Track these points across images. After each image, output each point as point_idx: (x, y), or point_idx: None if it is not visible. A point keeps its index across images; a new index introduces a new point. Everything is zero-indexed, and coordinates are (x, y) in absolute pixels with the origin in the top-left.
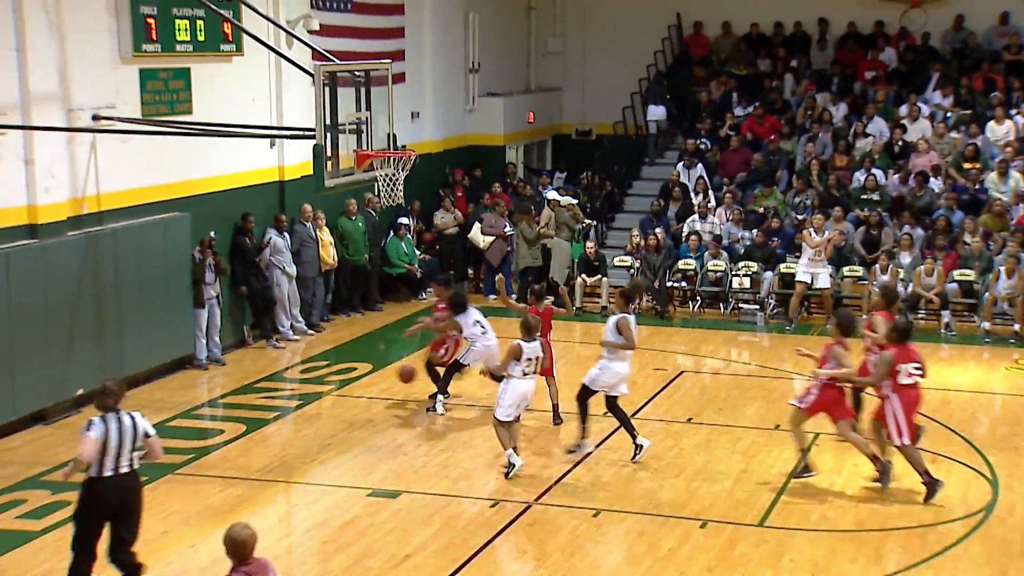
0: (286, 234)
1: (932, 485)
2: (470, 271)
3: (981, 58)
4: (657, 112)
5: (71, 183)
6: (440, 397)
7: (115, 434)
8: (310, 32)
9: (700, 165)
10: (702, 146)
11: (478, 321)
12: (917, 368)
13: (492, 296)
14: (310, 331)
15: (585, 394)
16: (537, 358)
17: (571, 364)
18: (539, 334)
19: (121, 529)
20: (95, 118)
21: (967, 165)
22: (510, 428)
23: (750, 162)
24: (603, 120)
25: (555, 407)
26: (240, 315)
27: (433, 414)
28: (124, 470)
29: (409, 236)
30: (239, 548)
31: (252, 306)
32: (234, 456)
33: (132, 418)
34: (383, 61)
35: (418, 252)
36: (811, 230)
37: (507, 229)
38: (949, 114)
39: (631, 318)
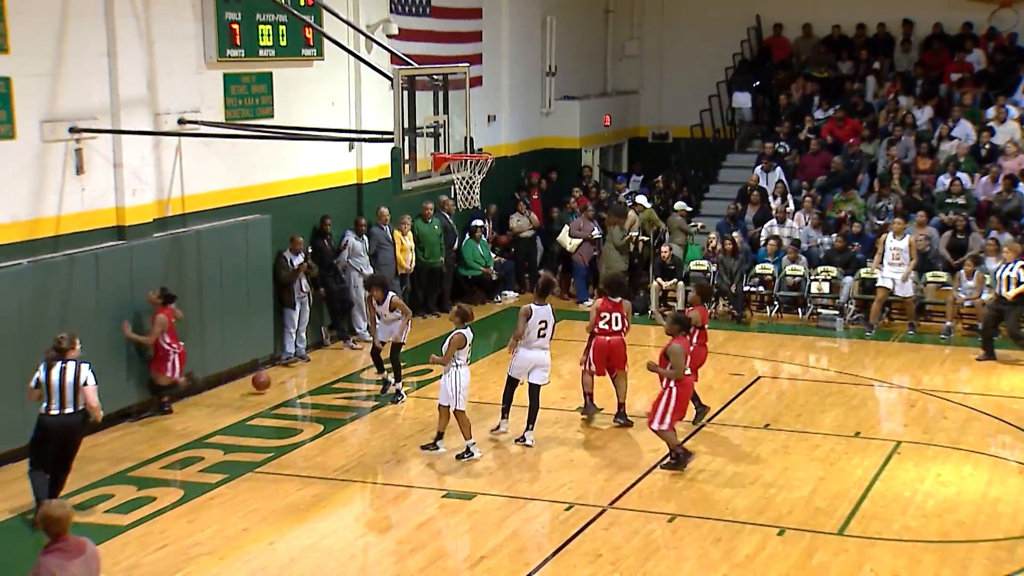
0: (364, 237)
1: (684, 457)
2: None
3: None
4: (742, 99)
5: (157, 186)
6: (399, 385)
7: (56, 380)
8: (389, 36)
9: (779, 169)
10: (781, 149)
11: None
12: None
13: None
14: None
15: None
16: (469, 344)
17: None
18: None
19: (60, 460)
20: (181, 122)
21: None
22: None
23: (830, 166)
24: (680, 123)
25: (621, 406)
26: (318, 316)
27: (401, 401)
28: (68, 410)
29: (485, 239)
30: (52, 525)
31: (330, 307)
32: (312, 455)
33: (77, 368)
34: (460, 65)
35: (493, 255)
36: (890, 235)
37: (595, 233)
38: None
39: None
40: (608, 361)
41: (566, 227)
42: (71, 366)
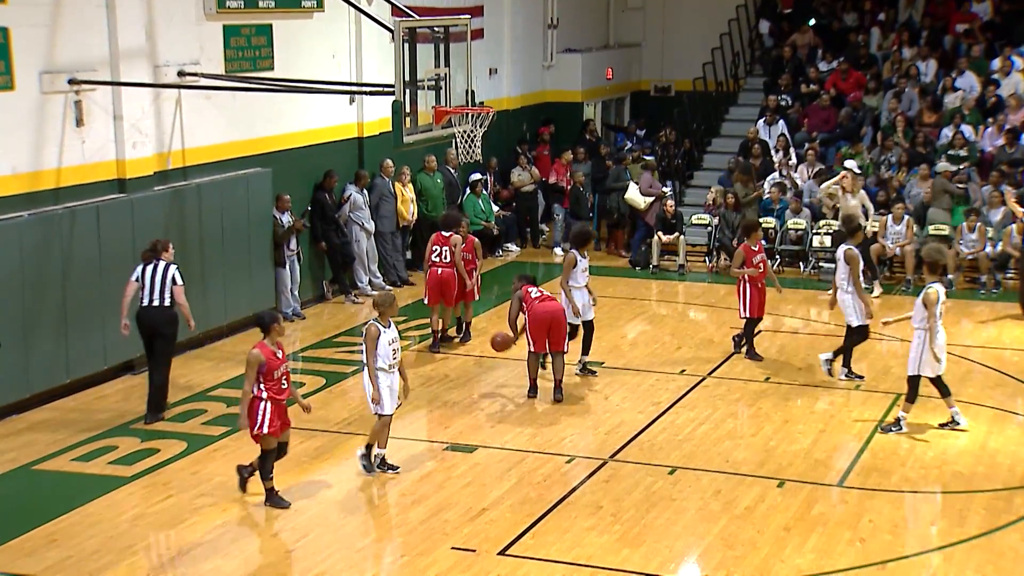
0: (365, 191)
1: (532, 391)
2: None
3: None
4: (764, 25)
5: (157, 138)
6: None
7: (148, 277)
8: None
9: (781, 122)
10: (783, 102)
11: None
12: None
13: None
14: (388, 287)
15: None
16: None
17: (648, 321)
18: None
19: (153, 346)
20: (180, 74)
21: None
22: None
23: (833, 118)
24: (683, 76)
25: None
26: (319, 271)
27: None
28: (155, 303)
29: (486, 193)
30: None
31: (331, 262)
32: (314, 408)
33: (167, 267)
34: (462, 17)
35: (496, 208)
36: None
37: (666, 190)
38: None
39: None
40: (441, 294)
41: (633, 185)
42: (162, 265)
